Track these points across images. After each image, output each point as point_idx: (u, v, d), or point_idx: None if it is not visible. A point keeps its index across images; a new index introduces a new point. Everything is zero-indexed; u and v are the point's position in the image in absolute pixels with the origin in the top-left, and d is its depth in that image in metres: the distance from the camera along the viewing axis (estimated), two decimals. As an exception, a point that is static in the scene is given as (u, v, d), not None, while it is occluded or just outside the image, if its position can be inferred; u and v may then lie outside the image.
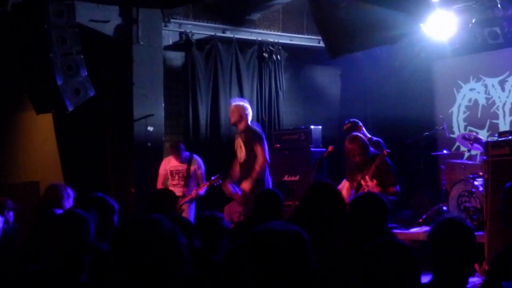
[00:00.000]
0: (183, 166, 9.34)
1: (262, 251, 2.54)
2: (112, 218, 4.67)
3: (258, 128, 8.82)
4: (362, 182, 7.24)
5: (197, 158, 9.49)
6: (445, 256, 3.18)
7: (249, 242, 2.60)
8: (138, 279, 2.45)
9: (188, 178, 9.28)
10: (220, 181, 9.08)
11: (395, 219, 9.35)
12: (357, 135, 7.83)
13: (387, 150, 7.55)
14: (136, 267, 2.45)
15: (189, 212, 9.10)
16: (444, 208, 9.51)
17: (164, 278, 2.47)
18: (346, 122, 9.26)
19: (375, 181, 7.17)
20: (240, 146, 8.74)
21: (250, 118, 8.81)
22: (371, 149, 7.56)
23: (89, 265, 3.67)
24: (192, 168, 9.33)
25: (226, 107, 11.06)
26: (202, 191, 9.21)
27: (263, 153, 8.56)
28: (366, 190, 7.17)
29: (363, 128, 9.11)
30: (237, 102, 8.95)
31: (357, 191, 7.33)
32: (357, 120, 9.27)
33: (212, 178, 9.09)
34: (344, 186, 7.77)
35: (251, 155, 8.60)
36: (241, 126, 8.75)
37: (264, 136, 8.78)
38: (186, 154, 9.45)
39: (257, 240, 2.58)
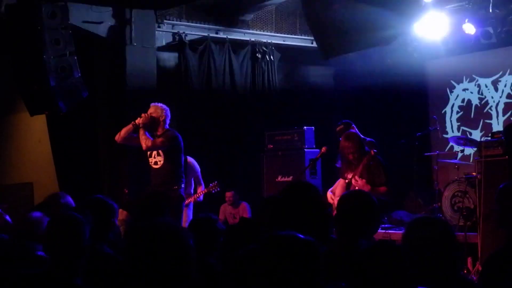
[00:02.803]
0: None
1: (277, 257, 2.54)
2: (112, 220, 4.66)
3: (177, 134, 8.24)
4: (352, 180, 7.26)
5: (191, 159, 9.44)
6: (424, 256, 3.13)
7: (264, 246, 2.60)
8: (148, 282, 2.47)
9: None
10: (218, 189, 9.01)
11: (389, 220, 9.38)
12: (353, 133, 7.85)
13: (374, 150, 7.55)
14: (148, 271, 2.47)
15: (187, 214, 9.06)
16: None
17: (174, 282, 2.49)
18: (339, 123, 9.24)
19: (364, 180, 7.18)
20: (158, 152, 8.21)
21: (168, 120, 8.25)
22: (366, 148, 7.58)
23: (88, 267, 3.67)
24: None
25: (219, 107, 11.07)
26: (200, 197, 9.15)
27: (160, 144, 8.00)
28: (356, 189, 7.20)
29: (356, 129, 9.11)
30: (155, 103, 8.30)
31: (347, 190, 7.36)
32: (350, 121, 9.26)
33: (210, 185, 9.03)
34: (339, 184, 7.81)
35: (168, 159, 8.11)
36: (159, 129, 8.18)
37: (180, 142, 8.17)
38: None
39: (272, 245, 2.58)
